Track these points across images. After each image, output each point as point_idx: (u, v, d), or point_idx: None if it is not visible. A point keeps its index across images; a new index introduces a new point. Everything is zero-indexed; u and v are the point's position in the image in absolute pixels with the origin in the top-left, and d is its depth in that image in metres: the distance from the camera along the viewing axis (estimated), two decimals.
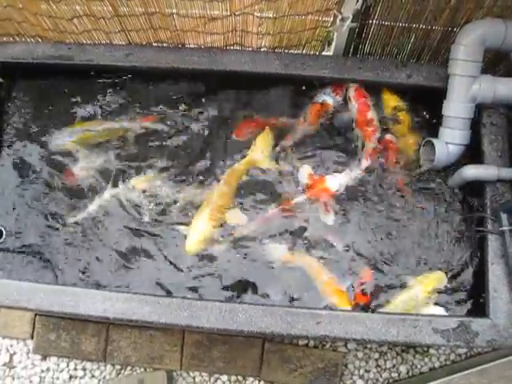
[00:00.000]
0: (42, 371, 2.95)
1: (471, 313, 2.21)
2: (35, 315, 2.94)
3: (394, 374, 2.88)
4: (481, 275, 2.20)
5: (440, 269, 2.29)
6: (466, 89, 2.22)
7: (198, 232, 2.32)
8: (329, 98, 2.48)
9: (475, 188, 2.31)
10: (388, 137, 2.45)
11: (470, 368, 2.65)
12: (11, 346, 3.00)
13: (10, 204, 2.44)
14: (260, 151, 2.44)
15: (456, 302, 2.25)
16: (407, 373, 2.89)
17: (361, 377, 2.88)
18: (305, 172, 2.43)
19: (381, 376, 2.88)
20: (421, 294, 2.23)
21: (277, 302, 2.24)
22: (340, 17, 2.21)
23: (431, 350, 2.89)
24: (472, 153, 2.33)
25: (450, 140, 2.26)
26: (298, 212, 2.37)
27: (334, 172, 2.42)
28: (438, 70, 2.39)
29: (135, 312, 2.08)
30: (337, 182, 2.38)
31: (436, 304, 2.23)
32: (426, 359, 2.90)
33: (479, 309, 2.17)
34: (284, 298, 2.26)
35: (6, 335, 3.00)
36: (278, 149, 2.46)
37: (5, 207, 2.44)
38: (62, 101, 2.57)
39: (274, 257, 2.31)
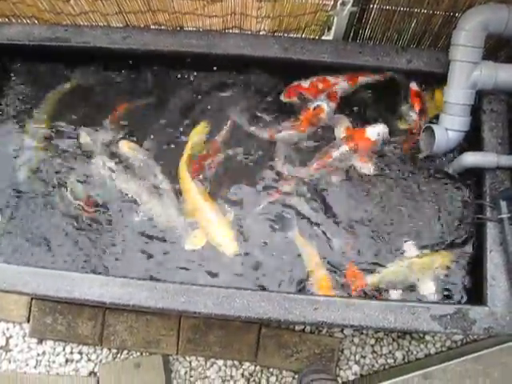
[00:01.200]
0: (38, 355, 2.95)
1: (469, 300, 2.21)
2: (31, 299, 2.94)
3: (390, 360, 2.89)
4: (479, 263, 2.19)
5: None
6: (466, 75, 2.20)
7: (224, 233, 2.29)
8: (324, 104, 2.45)
9: (475, 175, 2.31)
10: None
11: (466, 354, 2.67)
12: (7, 329, 3.00)
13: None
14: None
15: (454, 289, 2.25)
16: (403, 359, 2.89)
17: (357, 362, 2.89)
18: (342, 125, 2.43)
19: (377, 362, 2.89)
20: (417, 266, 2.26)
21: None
22: (340, 1, 2.18)
23: (427, 337, 2.90)
24: (472, 139, 2.31)
25: (450, 126, 2.24)
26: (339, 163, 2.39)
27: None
28: (438, 55, 2.37)
29: (132, 297, 2.07)
30: (375, 131, 2.37)
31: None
32: (422, 345, 2.91)
33: (477, 296, 2.17)
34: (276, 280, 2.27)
35: (2, 318, 3.00)
36: None
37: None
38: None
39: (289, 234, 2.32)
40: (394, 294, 2.24)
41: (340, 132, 2.43)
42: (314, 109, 2.44)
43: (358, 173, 2.39)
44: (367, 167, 2.38)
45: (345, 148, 2.37)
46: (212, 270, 2.26)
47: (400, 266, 2.26)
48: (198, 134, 2.45)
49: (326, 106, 2.43)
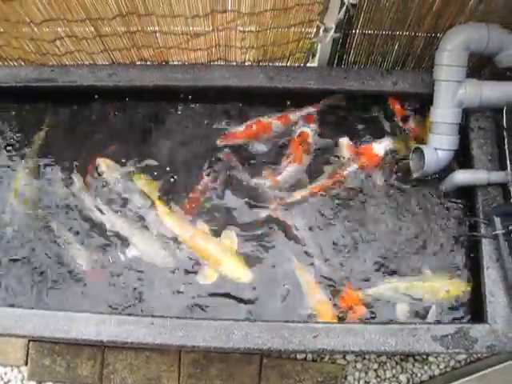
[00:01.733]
0: None
1: (469, 319, 2.19)
2: (29, 341, 2.89)
3: None
4: (477, 280, 2.19)
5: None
6: (452, 94, 2.22)
7: (235, 263, 2.28)
8: (305, 128, 2.47)
9: (467, 192, 2.31)
10: None
11: (470, 374, 2.63)
12: (5, 373, 2.94)
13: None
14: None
15: (453, 308, 2.24)
16: (407, 382, 2.85)
17: None
18: (343, 144, 2.45)
19: None
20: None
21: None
22: (323, 28, 2.21)
23: (430, 358, 2.86)
24: (462, 157, 2.32)
25: (439, 146, 2.25)
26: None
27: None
28: (423, 76, 2.39)
29: (129, 334, 2.05)
30: (382, 146, 2.40)
31: None
32: (426, 367, 2.87)
33: (477, 314, 2.15)
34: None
35: (0, 363, 2.95)
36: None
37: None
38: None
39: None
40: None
41: (344, 152, 2.44)
42: (298, 136, 2.45)
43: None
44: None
45: (355, 167, 2.39)
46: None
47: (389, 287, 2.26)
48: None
49: (308, 129, 2.45)
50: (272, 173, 2.43)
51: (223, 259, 2.28)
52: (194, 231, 2.34)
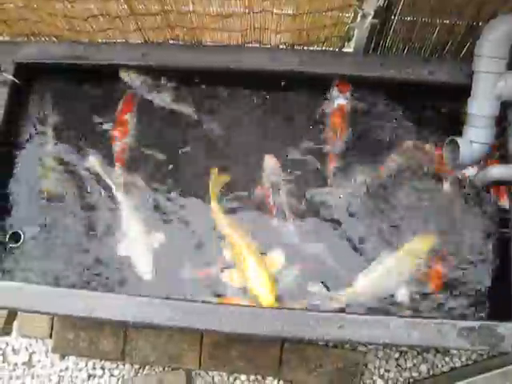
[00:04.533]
0: (61, 370, 2.95)
1: (497, 316, 2.16)
2: None
3: (415, 374, 2.85)
4: (506, 277, 2.15)
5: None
6: (491, 86, 2.15)
7: (264, 282, 2.21)
8: (341, 100, 2.44)
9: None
10: None
11: (493, 368, 2.62)
12: (30, 345, 3.01)
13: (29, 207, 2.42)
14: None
15: (481, 305, 2.21)
16: (428, 372, 2.85)
17: (381, 376, 2.85)
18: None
19: (401, 375, 2.85)
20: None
21: None
22: (361, 13, 2.15)
23: (452, 350, 2.85)
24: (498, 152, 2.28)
25: (475, 139, 2.20)
26: None
27: None
28: (461, 65, 2.32)
29: (155, 316, 2.05)
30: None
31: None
32: (447, 358, 2.87)
33: (504, 312, 2.12)
34: None
35: (25, 334, 3.00)
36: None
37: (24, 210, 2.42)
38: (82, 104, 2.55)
39: None
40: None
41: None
42: (337, 110, 2.43)
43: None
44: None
45: None
46: None
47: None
48: (217, 184, 2.39)
49: (343, 100, 2.42)
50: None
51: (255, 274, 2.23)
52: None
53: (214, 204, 2.33)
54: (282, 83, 2.48)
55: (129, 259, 2.30)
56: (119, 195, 2.38)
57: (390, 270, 2.22)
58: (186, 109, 2.48)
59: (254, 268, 2.21)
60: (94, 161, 2.44)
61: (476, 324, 2.03)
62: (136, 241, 2.31)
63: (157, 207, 2.38)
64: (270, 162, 2.39)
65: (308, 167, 2.40)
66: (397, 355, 2.87)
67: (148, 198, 2.40)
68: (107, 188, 2.41)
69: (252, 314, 2.04)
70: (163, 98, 2.49)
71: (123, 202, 2.37)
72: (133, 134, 2.47)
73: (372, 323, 2.02)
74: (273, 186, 2.35)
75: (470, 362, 2.86)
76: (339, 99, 2.44)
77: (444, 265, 2.24)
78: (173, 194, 2.39)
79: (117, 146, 2.45)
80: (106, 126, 2.49)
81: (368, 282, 2.21)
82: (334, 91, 2.44)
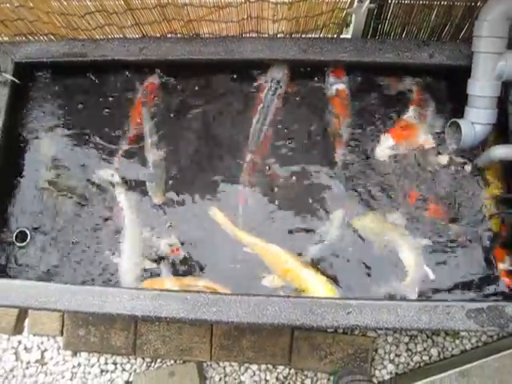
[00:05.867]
0: (74, 367, 2.98)
1: (505, 296, 2.16)
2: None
3: (425, 358, 2.85)
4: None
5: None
6: (491, 66, 2.14)
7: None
8: (340, 85, 2.44)
9: (504, 168, 2.27)
10: None
11: (503, 349, 2.62)
12: (42, 343, 3.03)
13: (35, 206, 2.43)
14: None
15: (488, 285, 2.21)
16: (438, 355, 2.86)
17: (391, 361, 2.86)
18: None
19: (412, 360, 2.86)
20: None
21: None
22: None
23: (462, 332, 2.86)
24: (500, 132, 2.27)
25: (476, 120, 2.19)
26: None
27: None
28: (461, 47, 2.31)
29: (163, 309, 2.06)
30: None
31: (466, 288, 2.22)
32: (458, 341, 2.87)
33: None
34: None
35: (37, 332, 3.03)
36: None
37: (31, 208, 2.43)
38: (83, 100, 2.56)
39: None
40: None
41: None
42: (336, 96, 2.43)
43: None
44: None
45: None
46: None
47: None
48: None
49: (343, 86, 2.43)
50: None
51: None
52: None
53: (237, 234, 2.32)
54: None
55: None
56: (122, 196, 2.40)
57: None
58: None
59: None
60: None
61: (484, 305, 2.03)
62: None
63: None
64: None
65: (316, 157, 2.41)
66: (407, 339, 2.88)
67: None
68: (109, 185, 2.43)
69: (260, 303, 2.04)
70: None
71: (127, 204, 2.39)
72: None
73: (380, 308, 2.02)
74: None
75: (480, 344, 2.86)
76: (337, 85, 2.44)
77: None
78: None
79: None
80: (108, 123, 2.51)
81: None
82: (331, 78, 2.45)
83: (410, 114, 2.41)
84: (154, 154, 2.42)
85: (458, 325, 2.00)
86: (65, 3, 2.23)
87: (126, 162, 2.44)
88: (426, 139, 2.37)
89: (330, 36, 2.44)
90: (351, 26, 2.38)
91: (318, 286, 2.20)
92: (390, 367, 2.84)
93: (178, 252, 2.31)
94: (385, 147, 2.36)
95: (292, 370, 2.87)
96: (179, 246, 2.32)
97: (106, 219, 2.38)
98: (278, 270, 2.25)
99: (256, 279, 2.24)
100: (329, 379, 2.84)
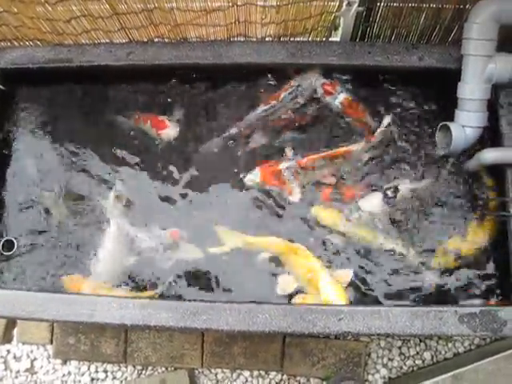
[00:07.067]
0: (64, 375, 2.93)
1: (497, 300, 2.15)
2: None
3: (419, 361, 2.83)
4: (505, 261, 2.14)
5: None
6: (481, 69, 2.13)
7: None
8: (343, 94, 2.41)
9: (495, 172, 2.25)
10: None
11: (497, 353, 2.60)
12: (31, 351, 2.99)
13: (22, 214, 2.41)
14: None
15: (481, 290, 2.20)
16: (431, 359, 2.84)
17: (384, 365, 2.84)
18: None
19: (405, 364, 2.84)
20: None
21: None
22: (346, 1, 2.12)
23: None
24: (490, 135, 2.26)
25: (467, 123, 2.18)
26: None
27: None
28: (450, 50, 2.30)
29: (152, 318, 2.03)
30: None
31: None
32: (450, 344, 2.85)
33: (505, 296, 2.11)
34: None
35: (26, 341, 2.98)
36: None
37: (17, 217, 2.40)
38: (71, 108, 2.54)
39: None
40: None
41: None
42: (344, 105, 2.41)
43: None
44: None
45: None
46: None
47: None
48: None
49: (345, 94, 2.41)
50: None
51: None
52: None
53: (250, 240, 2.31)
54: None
55: None
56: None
57: None
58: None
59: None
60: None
61: (477, 310, 2.01)
62: None
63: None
64: None
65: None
66: (399, 343, 2.85)
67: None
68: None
69: (250, 310, 2.02)
70: None
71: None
72: None
73: (372, 314, 2.00)
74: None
75: (473, 347, 2.85)
76: (338, 97, 2.41)
77: None
78: None
79: None
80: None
81: None
82: (327, 98, 2.42)
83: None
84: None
85: (450, 330, 1.99)
86: (49, 8, 2.20)
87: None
88: None
89: (318, 39, 2.43)
90: (340, 29, 2.36)
91: (331, 291, 2.16)
92: (383, 371, 2.82)
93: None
94: None
95: (284, 376, 2.84)
96: None
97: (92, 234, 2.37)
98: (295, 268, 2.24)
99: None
100: None
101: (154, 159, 2.44)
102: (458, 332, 1.99)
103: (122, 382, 2.90)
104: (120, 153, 2.45)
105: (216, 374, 2.87)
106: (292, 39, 2.42)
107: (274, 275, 2.26)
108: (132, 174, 2.43)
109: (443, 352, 2.84)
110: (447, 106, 2.29)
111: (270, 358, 2.81)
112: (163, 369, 2.88)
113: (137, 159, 2.44)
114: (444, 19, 2.26)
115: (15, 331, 3.00)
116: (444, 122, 2.25)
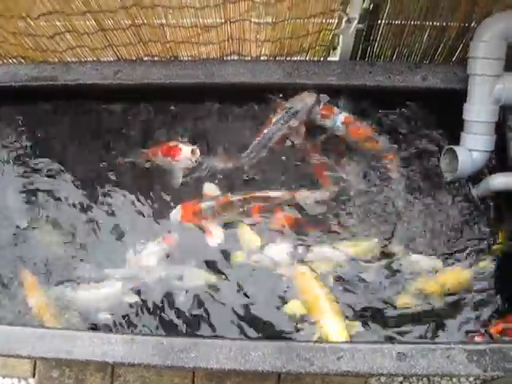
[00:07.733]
0: None
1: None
2: None
3: None
4: None
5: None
6: (488, 89, 2.03)
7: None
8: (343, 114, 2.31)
9: (504, 197, 2.15)
10: None
11: None
12: None
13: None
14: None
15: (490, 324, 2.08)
16: None
17: None
18: None
19: None
20: None
21: None
22: (346, 18, 2.05)
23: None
24: (499, 159, 2.16)
25: (473, 146, 2.08)
26: None
27: None
28: (455, 69, 2.21)
29: (137, 355, 1.89)
30: None
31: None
32: (455, 379, 2.71)
33: None
34: None
35: (7, 374, 2.84)
36: None
37: None
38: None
39: None
40: None
41: None
42: (347, 124, 2.31)
43: None
44: None
45: None
46: None
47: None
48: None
49: (346, 114, 2.31)
50: None
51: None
52: None
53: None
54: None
55: None
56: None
57: None
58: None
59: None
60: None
61: (487, 347, 1.87)
62: None
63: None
64: None
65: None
66: (401, 379, 2.72)
67: None
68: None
69: (243, 348, 1.87)
70: None
71: None
72: None
73: (374, 352, 1.86)
74: None
75: (478, 383, 2.71)
76: (337, 120, 2.30)
77: None
78: None
79: None
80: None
81: None
82: (326, 122, 2.32)
83: None
84: None
85: (458, 369, 1.84)
86: (32, 23, 2.12)
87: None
88: None
89: (316, 59, 2.34)
90: (339, 47, 2.28)
91: (333, 325, 2.04)
92: None
93: None
94: None
95: None
96: None
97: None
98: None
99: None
100: None
101: None
102: (467, 372, 1.85)
103: None
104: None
105: None
106: (288, 58, 2.32)
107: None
108: None
109: None
110: (453, 128, 2.19)
111: None
112: None
113: None
114: (448, 37, 2.17)
115: None
116: (450, 146, 2.15)
